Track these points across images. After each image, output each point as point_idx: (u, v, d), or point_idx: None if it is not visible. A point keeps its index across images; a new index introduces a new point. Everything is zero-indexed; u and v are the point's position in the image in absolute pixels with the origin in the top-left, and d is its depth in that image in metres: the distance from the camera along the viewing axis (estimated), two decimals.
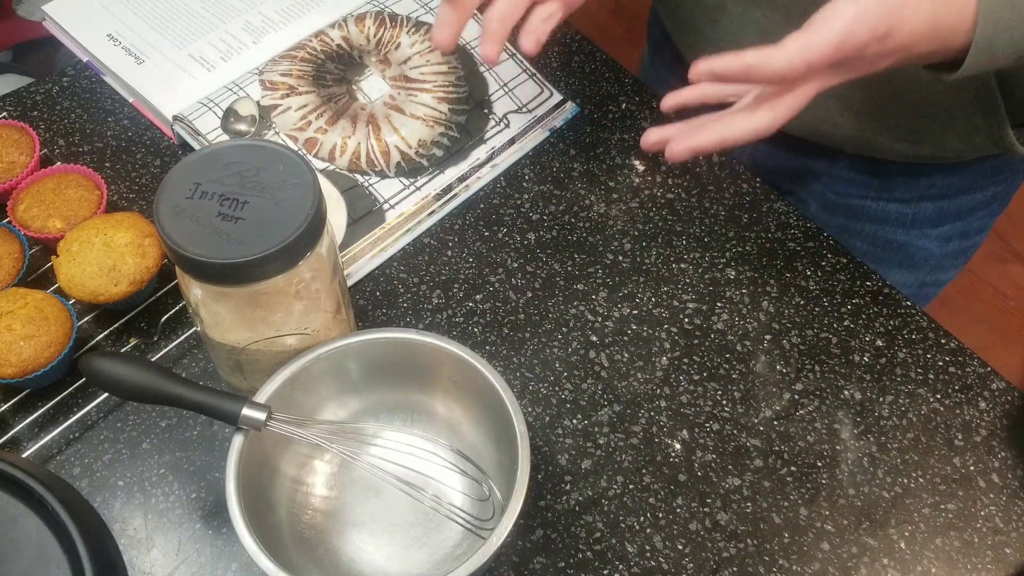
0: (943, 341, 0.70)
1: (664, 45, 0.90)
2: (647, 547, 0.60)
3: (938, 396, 0.68)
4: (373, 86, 0.81)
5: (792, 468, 0.64)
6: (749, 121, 0.55)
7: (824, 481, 0.63)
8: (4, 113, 0.80)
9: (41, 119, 0.80)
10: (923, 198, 0.79)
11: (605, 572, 0.60)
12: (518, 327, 0.70)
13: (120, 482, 0.62)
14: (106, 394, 0.64)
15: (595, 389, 0.67)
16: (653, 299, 0.72)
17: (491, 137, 0.80)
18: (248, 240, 0.49)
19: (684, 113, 0.61)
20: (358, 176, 0.76)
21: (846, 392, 0.67)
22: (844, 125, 0.74)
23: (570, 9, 0.63)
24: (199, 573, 0.59)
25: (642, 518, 0.62)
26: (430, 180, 0.77)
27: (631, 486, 0.63)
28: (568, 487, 0.63)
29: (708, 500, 0.62)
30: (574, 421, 0.65)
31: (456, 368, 0.58)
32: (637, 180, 0.79)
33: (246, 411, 0.52)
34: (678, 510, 0.62)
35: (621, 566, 0.60)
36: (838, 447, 0.65)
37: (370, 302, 0.71)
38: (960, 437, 0.66)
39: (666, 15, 0.84)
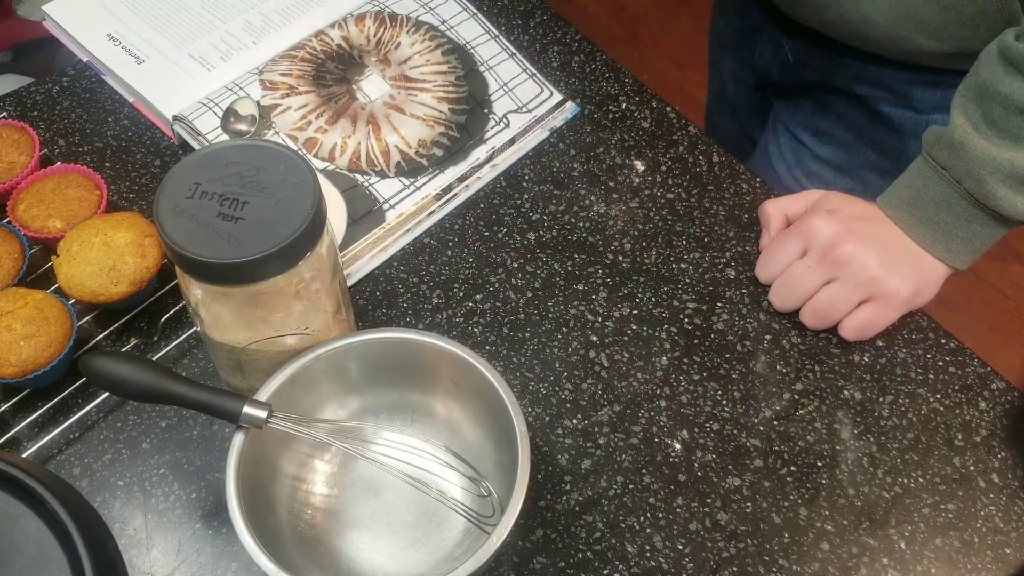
0: (943, 341, 0.70)
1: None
2: (647, 547, 0.60)
3: (938, 396, 0.68)
4: (373, 86, 0.81)
5: (792, 468, 0.64)
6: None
7: (824, 481, 0.63)
8: (4, 113, 0.80)
9: (41, 119, 0.80)
10: (937, 109, 0.82)
11: (605, 572, 0.60)
12: (518, 327, 0.70)
13: (120, 482, 0.62)
14: (106, 394, 0.64)
15: (595, 389, 0.67)
16: (653, 299, 0.72)
17: (491, 137, 0.80)
18: (248, 240, 0.49)
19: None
20: (358, 176, 0.76)
21: (846, 392, 0.67)
22: (881, 24, 0.77)
23: None
24: (199, 573, 0.59)
25: (642, 518, 0.62)
26: (430, 180, 0.77)
27: (631, 486, 0.63)
28: (568, 487, 0.63)
29: (708, 500, 0.62)
30: (574, 421, 0.65)
31: (456, 368, 0.58)
32: (637, 180, 0.79)
33: (247, 409, 0.52)
34: (678, 510, 0.62)
35: (621, 566, 0.60)
36: (838, 447, 0.65)
37: (370, 302, 0.71)
38: (960, 437, 0.66)
39: None
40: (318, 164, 0.76)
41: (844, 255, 0.67)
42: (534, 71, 0.84)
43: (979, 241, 0.67)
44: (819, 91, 0.88)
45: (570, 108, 0.83)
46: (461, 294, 0.72)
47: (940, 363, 0.69)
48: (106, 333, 0.68)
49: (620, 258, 0.74)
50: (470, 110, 0.81)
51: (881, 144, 0.86)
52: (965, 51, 0.72)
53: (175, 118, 0.77)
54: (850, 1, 0.78)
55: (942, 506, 0.63)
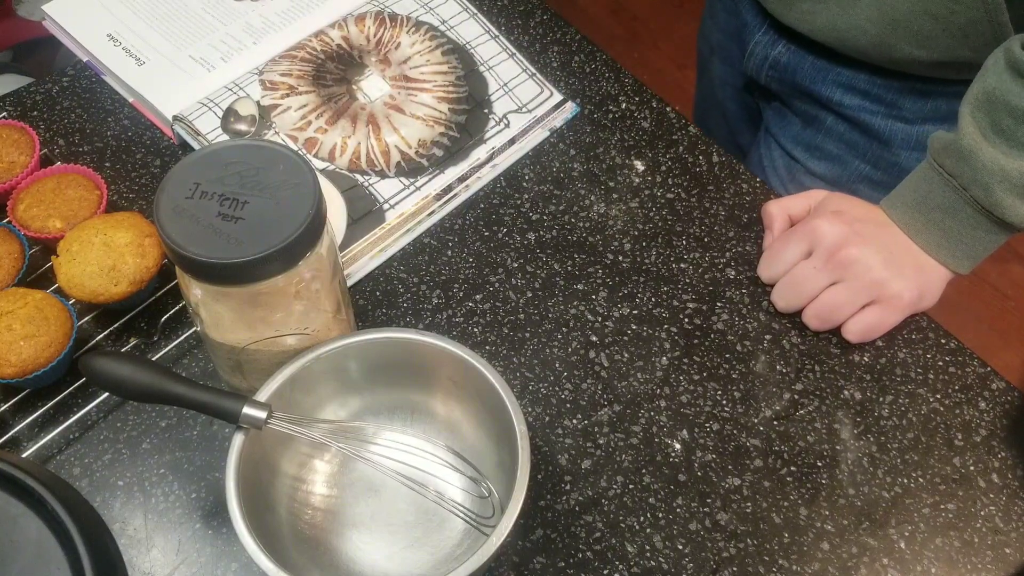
0: (943, 341, 0.70)
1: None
2: (647, 547, 0.60)
3: (938, 396, 0.68)
4: (373, 86, 0.81)
5: (792, 468, 0.64)
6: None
7: (824, 481, 0.63)
8: (4, 113, 0.80)
9: (41, 119, 0.80)
10: (928, 119, 0.81)
11: (605, 572, 0.60)
12: (518, 327, 0.70)
13: (120, 482, 0.62)
14: (106, 394, 0.64)
15: (595, 389, 0.67)
16: (653, 299, 0.72)
17: (491, 137, 0.80)
18: (248, 240, 0.49)
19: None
20: (358, 176, 0.76)
21: (846, 392, 0.67)
22: (870, 31, 0.77)
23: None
24: (199, 573, 0.59)
25: (642, 518, 0.62)
26: (430, 180, 0.77)
27: (631, 486, 0.63)
28: (568, 487, 0.63)
29: (708, 500, 0.62)
30: (574, 421, 0.65)
31: (456, 368, 0.58)
32: (637, 180, 0.79)
33: (247, 410, 0.52)
34: (678, 510, 0.62)
35: (621, 566, 0.60)
36: (838, 447, 0.65)
37: (370, 302, 0.71)
38: (960, 437, 0.66)
39: None
40: (318, 164, 0.76)
41: (849, 257, 0.67)
42: (534, 71, 0.84)
43: (982, 247, 0.67)
44: (806, 103, 0.88)
45: (570, 108, 0.83)
46: (461, 294, 0.72)
47: (940, 363, 0.69)
48: (106, 333, 0.68)
49: (620, 258, 0.74)
50: (470, 110, 0.81)
51: (873, 156, 0.86)
52: (954, 60, 0.72)
53: (175, 118, 0.77)
54: (839, 8, 0.78)
55: (942, 506, 0.63)
